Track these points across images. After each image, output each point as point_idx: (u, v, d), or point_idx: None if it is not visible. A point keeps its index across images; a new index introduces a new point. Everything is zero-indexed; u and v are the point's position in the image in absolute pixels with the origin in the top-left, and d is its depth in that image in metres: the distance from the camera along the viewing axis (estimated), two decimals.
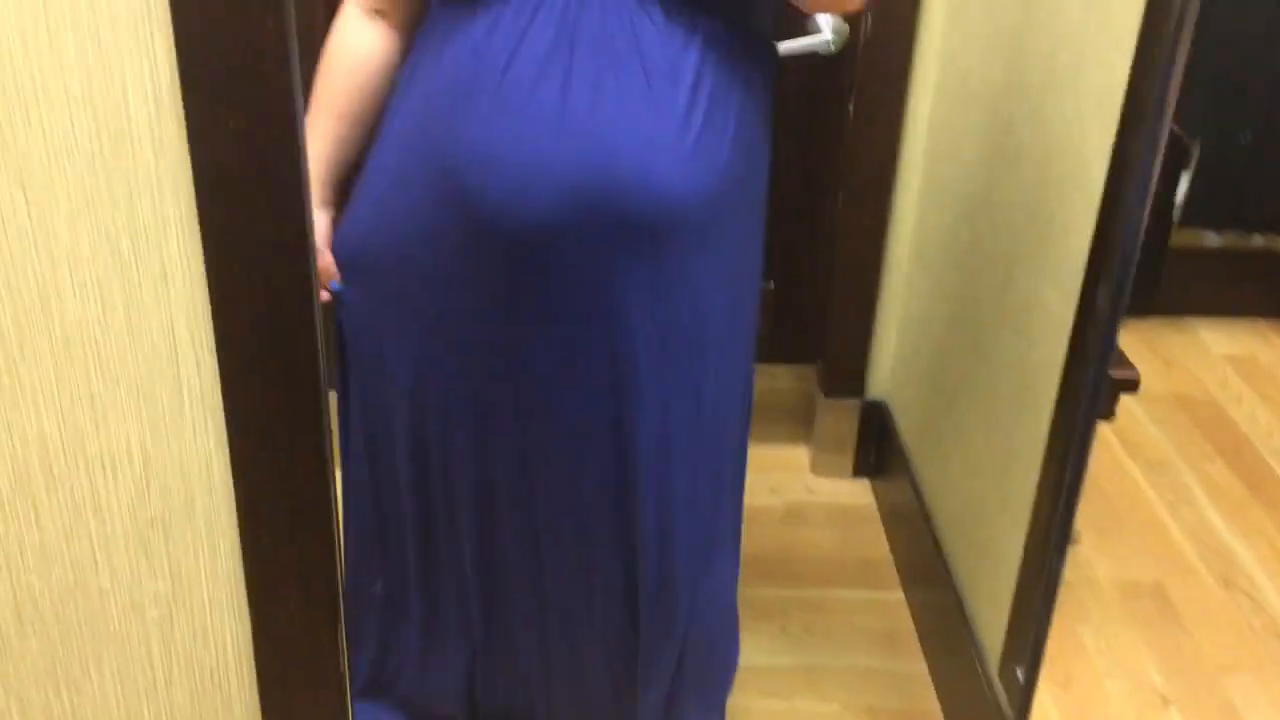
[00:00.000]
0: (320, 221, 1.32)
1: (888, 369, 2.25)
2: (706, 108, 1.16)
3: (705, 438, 1.33)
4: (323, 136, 1.31)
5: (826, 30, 1.91)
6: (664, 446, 1.29)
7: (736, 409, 1.40)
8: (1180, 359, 2.74)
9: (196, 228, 0.76)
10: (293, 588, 0.93)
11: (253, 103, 0.68)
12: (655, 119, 1.14)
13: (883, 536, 2.16)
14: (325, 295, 1.33)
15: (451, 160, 1.18)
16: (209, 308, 0.79)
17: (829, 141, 2.15)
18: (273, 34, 0.65)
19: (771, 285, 2.26)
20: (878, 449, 2.29)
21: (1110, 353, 1.34)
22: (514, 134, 1.14)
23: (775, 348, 2.33)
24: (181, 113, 0.70)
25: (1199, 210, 2.74)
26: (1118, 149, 1.30)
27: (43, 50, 0.72)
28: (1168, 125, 1.19)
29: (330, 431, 0.84)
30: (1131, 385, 1.83)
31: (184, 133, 0.72)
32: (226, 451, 0.87)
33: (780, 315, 2.30)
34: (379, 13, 1.30)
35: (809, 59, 1.95)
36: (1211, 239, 2.83)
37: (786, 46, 1.91)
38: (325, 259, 1.31)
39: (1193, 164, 2.67)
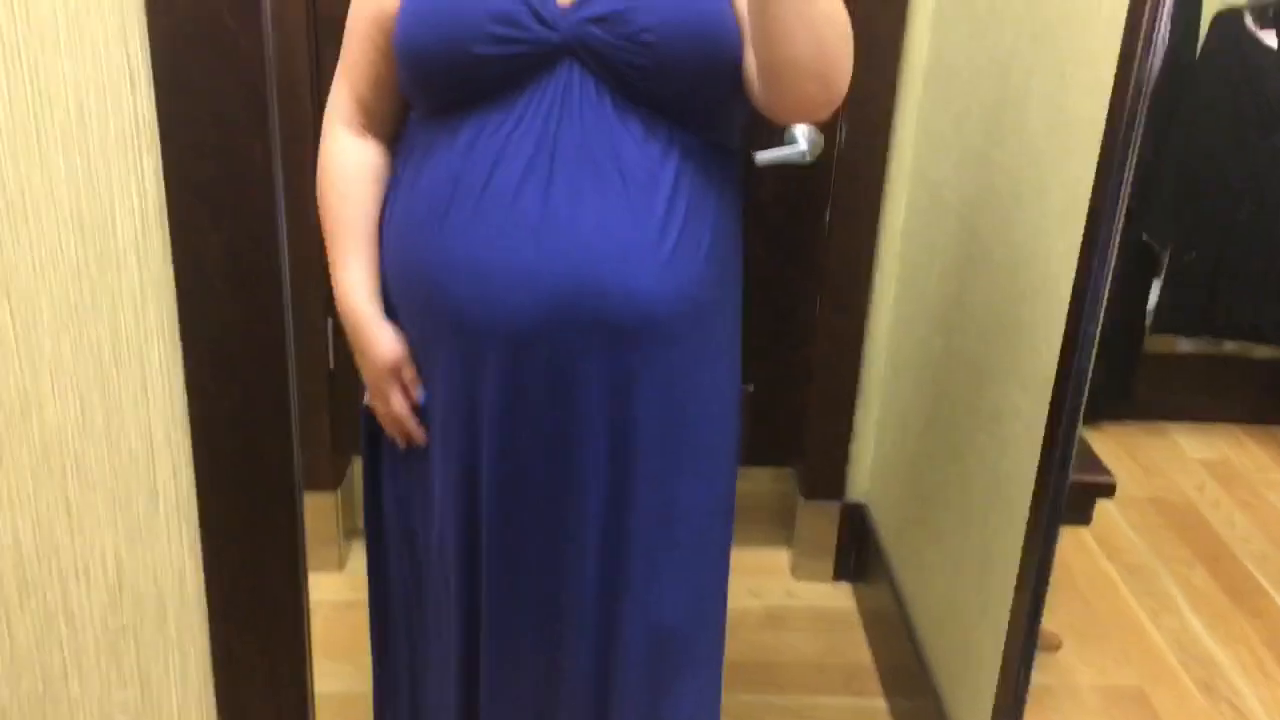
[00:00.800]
0: (395, 337, 1.31)
1: (867, 471, 2.26)
2: (683, 217, 1.20)
3: (687, 541, 1.34)
4: (366, 261, 1.30)
5: (802, 141, 1.97)
6: (649, 547, 1.30)
7: (719, 514, 1.40)
8: (1157, 464, 2.76)
9: (178, 337, 0.78)
10: (263, 698, 0.92)
11: (237, 220, 0.70)
12: (634, 227, 1.17)
13: (864, 642, 2.15)
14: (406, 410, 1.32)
15: (438, 274, 1.21)
16: (187, 415, 0.80)
17: (807, 248, 2.19)
18: (259, 156, 0.68)
19: (751, 388, 2.29)
20: (858, 552, 2.28)
21: (1070, 459, 1.36)
22: (497, 243, 1.17)
23: (755, 450, 2.35)
24: (167, 228, 0.73)
25: (1171, 317, 2.78)
26: (1082, 261, 1.34)
27: (33, 169, 0.75)
28: (1117, 238, 1.23)
29: (304, 540, 0.85)
30: (1107, 490, 1.84)
31: (168, 247, 0.74)
32: (200, 559, 0.87)
33: (759, 418, 2.32)
34: (366, 129, 1.34)
35: (786, 168, 2.01)
36: (1184, 345, 2.88)
37: (764, 157, 1.97)
38: (410, 372, 1.31)
39: (1163, 272, 2.73)
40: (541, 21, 1.16)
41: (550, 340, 1.19)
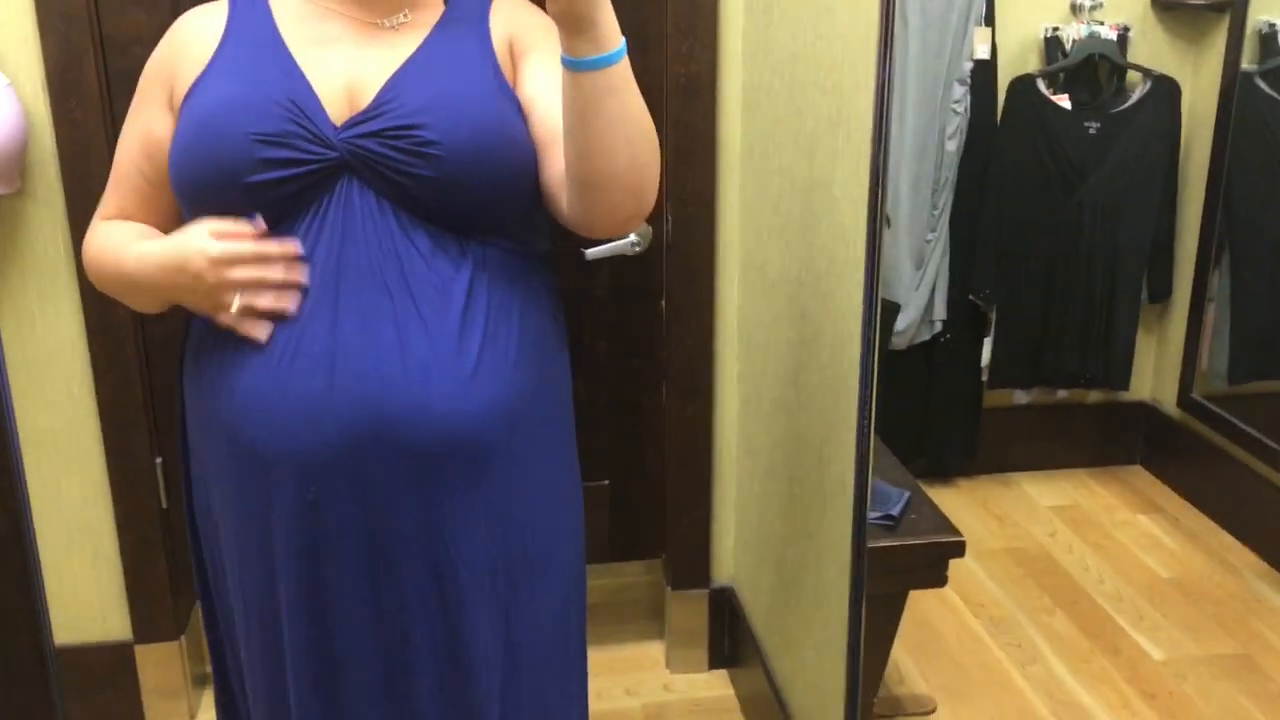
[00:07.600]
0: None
1: (730, 554, 2.25)
2: (484, 327, 1.17)
3: (531, 663, 1.29)
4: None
5: (632, 233, 1.98)
6: (488, 677, 1.25)
7: (563, 627, 1.36)
8: (1010, 514, 2.82)
9: None
10: None
11: None
12: (429, 345, 1.14)
13: None
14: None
15: (231, 415, 1.16)
16: None
17: (647, 338, 2.20)
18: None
19: (607, 483, 2.26)
20: (730, 637, 2.26)
21: (863, 538, 1.40)
22: (285, 378, 1.13)
23: (618, 545, 2.32)
24: None
25: (1004, 372, 2.89)
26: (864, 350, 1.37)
27: None
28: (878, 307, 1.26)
29: None
30: (957, 549, 1.87)
31: None
32: None
33: (619, 512, 2.29)
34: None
35: (617, 259, 2.01)
36: (1021, 397, 2.98)
37: (594, 251, 1.97)
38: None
39: (992, 330, 2.83)
40: (316, 140, 1.13)
41: (351, 474, 1.14)
